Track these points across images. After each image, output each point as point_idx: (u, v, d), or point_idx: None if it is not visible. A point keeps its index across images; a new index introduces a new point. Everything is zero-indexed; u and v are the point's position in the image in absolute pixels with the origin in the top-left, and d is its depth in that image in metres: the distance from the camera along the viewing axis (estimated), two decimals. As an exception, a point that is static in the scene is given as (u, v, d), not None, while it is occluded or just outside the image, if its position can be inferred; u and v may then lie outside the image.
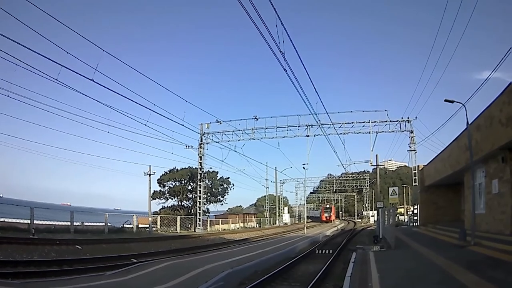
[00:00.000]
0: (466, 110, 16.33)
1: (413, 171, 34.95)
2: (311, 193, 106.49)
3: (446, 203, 28.38)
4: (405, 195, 59.02)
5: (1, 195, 75.74)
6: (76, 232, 23.44)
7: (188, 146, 38.31)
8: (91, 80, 16.08)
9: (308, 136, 36.11)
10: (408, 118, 35.09)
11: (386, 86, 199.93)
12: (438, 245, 17.35)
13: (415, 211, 37.62)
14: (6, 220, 22.83)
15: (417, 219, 35.46)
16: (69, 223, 24.15)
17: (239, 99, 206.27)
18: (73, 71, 15.50)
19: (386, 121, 35.02)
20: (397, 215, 40.57)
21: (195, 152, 39.32)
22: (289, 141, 59.93)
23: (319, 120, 30.35)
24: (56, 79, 15.80)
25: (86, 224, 27.73)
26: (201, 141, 38.99)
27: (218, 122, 37.14)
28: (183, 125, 27.07)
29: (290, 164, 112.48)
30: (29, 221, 21.04)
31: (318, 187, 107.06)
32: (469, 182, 18.62)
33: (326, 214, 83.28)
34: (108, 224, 27.68)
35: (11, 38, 13.07)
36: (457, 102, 16.88)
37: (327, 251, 19.58)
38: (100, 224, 28.32)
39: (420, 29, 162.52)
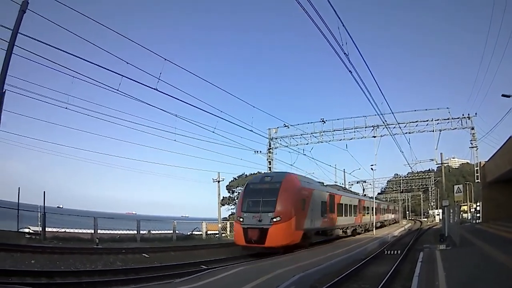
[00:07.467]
0: (523, 104, 16.57)
1: (475, 168, 34.64)
2: (378, 193, 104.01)
3: (506, 199, 27.68)
4: (468, 193, 57.28)
5: (61, 206, 78.71)
6: (142, 241, 23.23)
7: (257, 152, 38.05)
8: (154, 89, 16.32)
9: (375, 137, 35.60)
10: (468, 114, 34.31)
11: (446, 82, 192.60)
12: (499, 241, 17.35)
13: (478, 208, 36.97)
14: (67, 230, 22.26)
15: (479, 216, 34.90)
16: (135, 232, 24.00)
17: (306, 102, 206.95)
18: (134, 80, 15.88)
19: (448, 119, 34.30)
20: (461, 212, 40.05)
21: (264, 157, 39.21)
22: (356, 142, 58.61)
23: (386, 121, 30.07)
24: (117, 90, 16.05)
25: (153, 232, 27.58)
26: (270, 145, 39.08)
27: (285, 126, 37.01)
28: (251, 131, 27.05)
29: (358, 165, 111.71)
30: (92, 231, 21.11)
31: (386, 187, 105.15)
32: (528, 177, 18.42)
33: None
34: (176, 231, 27.53)
35: (70, 53, 13.79)
36: (513, 96, 17.19)
37: (395, 252, 19.68)
38: (168, 231, 28.33)
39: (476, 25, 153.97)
